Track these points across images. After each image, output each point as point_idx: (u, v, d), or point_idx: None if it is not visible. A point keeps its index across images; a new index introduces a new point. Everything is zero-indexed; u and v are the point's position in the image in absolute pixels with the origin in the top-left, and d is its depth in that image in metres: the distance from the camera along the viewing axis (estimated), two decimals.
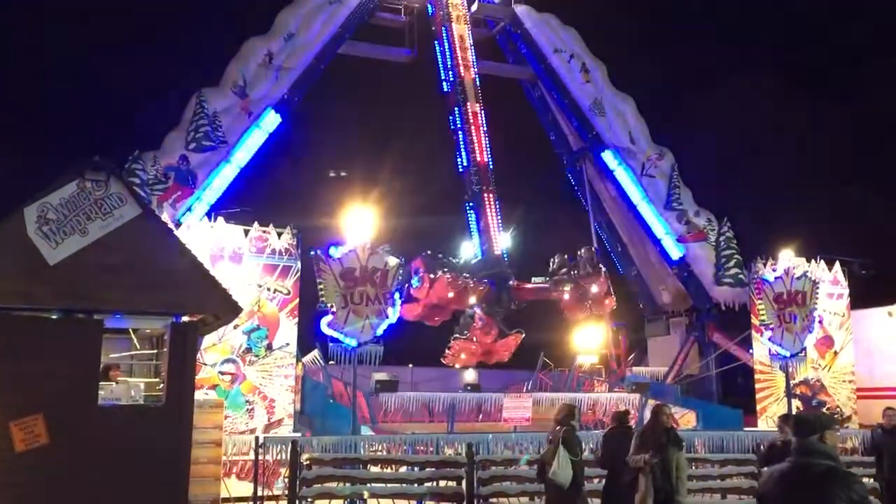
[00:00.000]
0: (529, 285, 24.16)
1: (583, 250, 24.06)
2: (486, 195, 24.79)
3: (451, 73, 25.94)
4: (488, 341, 23.03)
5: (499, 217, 24.86)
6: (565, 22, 27.39)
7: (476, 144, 25.20)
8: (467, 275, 22.73)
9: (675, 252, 25.52)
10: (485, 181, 24.94)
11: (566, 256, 24.18)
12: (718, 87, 39.64)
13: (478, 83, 25.96)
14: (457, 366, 23.60)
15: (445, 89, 26.17)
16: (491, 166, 25.13)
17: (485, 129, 25.51)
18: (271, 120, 22.59)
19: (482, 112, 25.61)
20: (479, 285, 22.65)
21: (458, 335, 23.07)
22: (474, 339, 22.97)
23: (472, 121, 25.35)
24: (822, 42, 40.62)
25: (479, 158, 25.04)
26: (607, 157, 26.27)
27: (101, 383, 10.41)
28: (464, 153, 25.35)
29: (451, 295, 22.10)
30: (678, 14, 40.96)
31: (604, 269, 23.81)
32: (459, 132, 25.51)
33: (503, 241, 24.65)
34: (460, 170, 25.42)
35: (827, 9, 38.80)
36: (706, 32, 41.99)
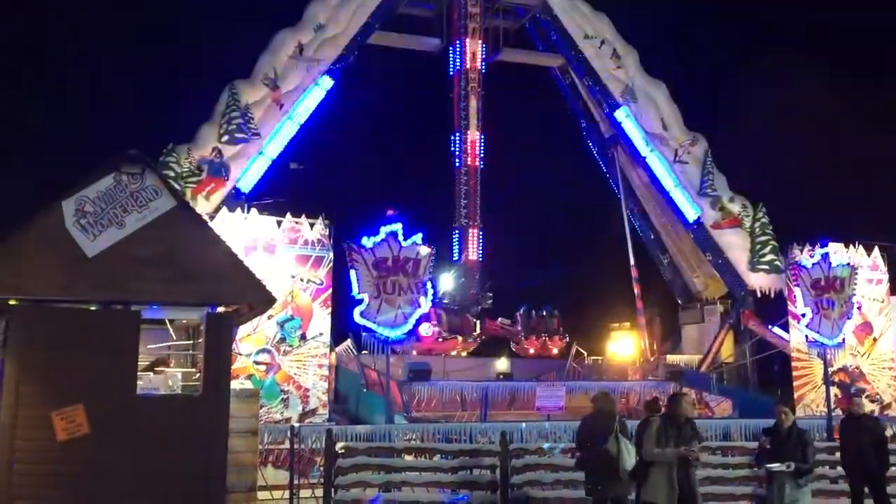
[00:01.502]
0: (497, 323, 26.58)
1: (545, 312, 26.56)
2: (471, 230, 26.69)
3: (461, 92, 26.99)
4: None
5: (480, 251, 26.73)
6: (596, 8, 27.10)
7: (469, 174, 26.69)
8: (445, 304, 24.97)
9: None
10: (472, 216, 26.59)
11: (532, 312, 26.66)
12: (752, 70, 39.04)
13: (481, 108, 26.95)
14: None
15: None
16: (479, 198, 26.79)
17: (481, 156, 26.90)
18: (303, 111, 22.68)
19: (482, 140, 26.90)
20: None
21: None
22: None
23: (469, 150, 26.78)
24: (860, 21, 39.75)
25: (470, 189, 26.63)
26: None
27: (140, 373, 10.58)
28: (461, 177, 26.78)
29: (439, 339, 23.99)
30: None
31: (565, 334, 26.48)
32: (456, 159, 26.99)
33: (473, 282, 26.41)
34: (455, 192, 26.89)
35: None
36: (739, 14, 41.33)
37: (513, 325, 26.62)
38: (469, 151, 26.69)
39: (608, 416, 9.31)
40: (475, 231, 26.69)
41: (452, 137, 27.16)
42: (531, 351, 26.13)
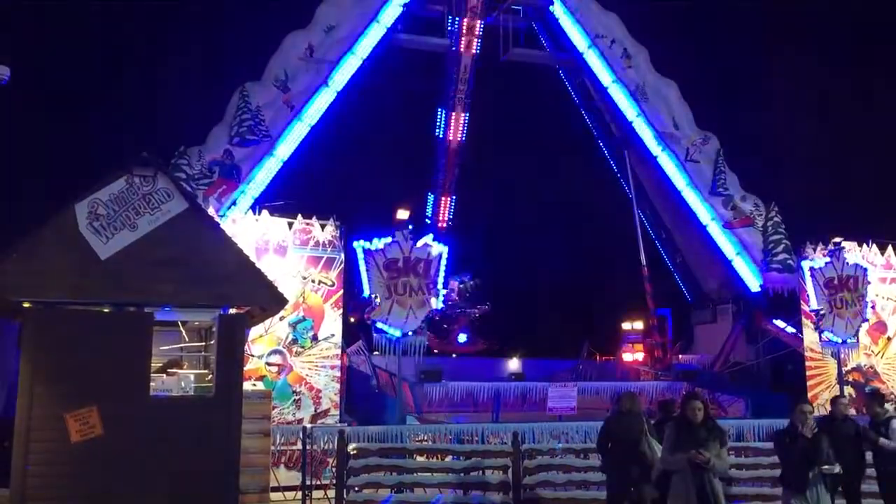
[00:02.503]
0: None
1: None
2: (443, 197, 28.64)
3: (442, 130, 28.15)
4: None
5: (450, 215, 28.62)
6: (606, 7, 27.02)
7: (450, 150, 28.25)
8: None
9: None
10: (446, 189, 28.39)
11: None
12: (765, 67, 38.86)
13: (466, 121, 28.04)
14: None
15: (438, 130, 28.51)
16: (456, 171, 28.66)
17: (458, 160, 28.52)
18: (313, 112, 22.73)
19: (459, 148, 28.36)
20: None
21: None
22: None
23: (449, 157, 28.32)
24: (871, 18, 39.47)
25: (449, 163, 28.36)
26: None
27: (153, 375, 10.63)
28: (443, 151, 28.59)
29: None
30: None
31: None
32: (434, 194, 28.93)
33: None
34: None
35: None
36: (751, 11, 41.11)
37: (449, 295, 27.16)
38: (449, 158, 28.49)
39: (636, 417, 9.29)
40: (447, 199, 28.88)
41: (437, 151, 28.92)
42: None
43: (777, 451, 9.03)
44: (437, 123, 28.18)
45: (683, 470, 7.80)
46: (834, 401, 10.54)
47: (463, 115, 27.65)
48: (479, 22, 26.62)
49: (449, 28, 26.91)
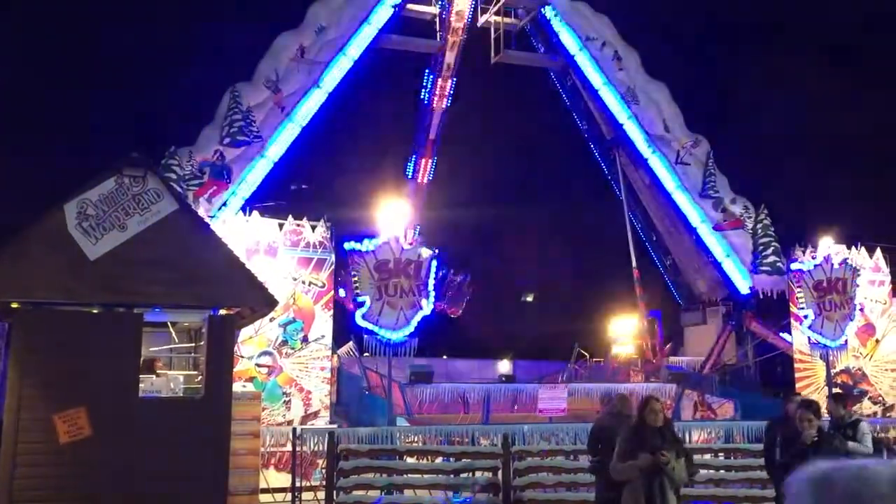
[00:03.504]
0: None
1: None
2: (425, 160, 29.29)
3: (427, 94, 28.39)
4: None
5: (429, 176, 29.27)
6: (597, 9, 27.10)
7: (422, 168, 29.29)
8: None
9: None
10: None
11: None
12: (755, 70, 39.02)
13: (444, 116, 28.61)
14: None
15: (423, 101, 28.84)
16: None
17: (434, 158, 29.27)
18: (304, 113, 22.70)
19: (436, 142, 29.04)
20: None
21: None
22: None
23: (427, 145, 29.13)
24: (861, 21, 39.71)
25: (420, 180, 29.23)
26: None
27: (142, 376, 10.59)
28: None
29: None
30: None
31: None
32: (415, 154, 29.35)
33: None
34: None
35: None
36: (740, 14, 41.32)
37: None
38: (427, 146, 29.14)
39: (626, 419, 9.27)
40: (428, 161, 29.41)
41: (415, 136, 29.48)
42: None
43: (766, 455, 8.57)
44: (424, 85, 28.56)
45: (635, 480, 6.94)
46: (788, 399, 10.08)
47: (449, 81, 27.96)
48: (464, 22, 26.67)
49: (439, 32, 26.99)
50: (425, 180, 29.68)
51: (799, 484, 2.07)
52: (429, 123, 28.87)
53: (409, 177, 29.78)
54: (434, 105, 28.27)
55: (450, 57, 27.21)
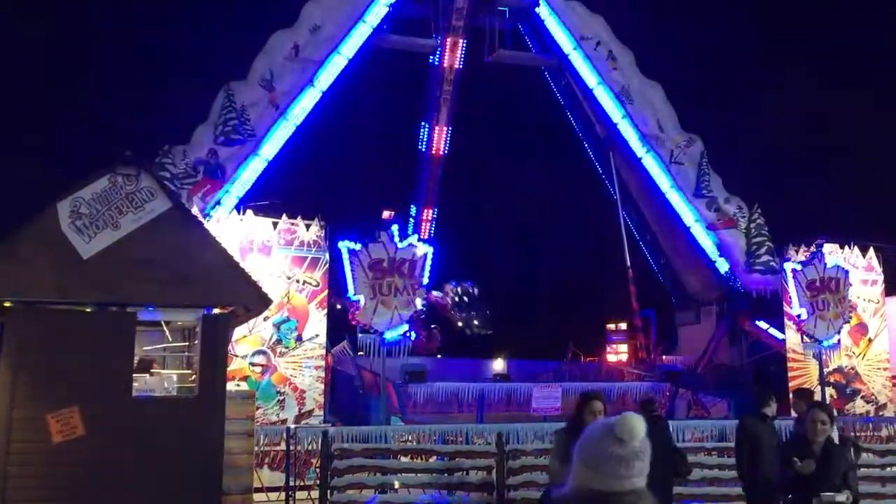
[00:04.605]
0: (432, 294, 25.96)
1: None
2: (425, 210, 28.51)
3: (433, 99, 28.01)
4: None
5: (431, 232, 28.29)
6: (591, 9, 27.12)
7: (431, 173, 28.44)
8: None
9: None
10: (429, 201, 28.37)
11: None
12: (749, 70, 39.12)
13: (448, 134, 28.14)
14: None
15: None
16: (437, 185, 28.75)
17: (445, 152, 28.24)
18: (299, 112, 22.67)
19: (446, 142, 28.17)
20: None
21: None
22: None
23: (435, 146, 28.08)
24: (852, 21, 39.83)
25: (431, 185, 28.54)
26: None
27: (136, 375, 10.55)
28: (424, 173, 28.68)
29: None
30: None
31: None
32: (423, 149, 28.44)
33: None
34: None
35: None
36: (734, 15, 41.40)
37: (443, 299, 26.75)
38: (435, 147, 28.23)
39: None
40: (429, 212, 28.72)
41: (419, 130, 28.66)
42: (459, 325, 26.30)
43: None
44: (420, 138, 28.31)
45: None
46: (763, 395, 9.34)
47: (446, 128, 27.80)
48: (463, 22, 26.68)
49: (434, 34, 26.96)
50: (429, 233, 29.00)
51: None
52: (429, 175, 28.60)
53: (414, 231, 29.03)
54: (433, 152, 27.97)
55: (452, 59, 27.08)
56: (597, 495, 2.34)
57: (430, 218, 28.73)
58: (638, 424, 2.53)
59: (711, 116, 32.86)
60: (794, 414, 9.58)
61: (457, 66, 27.19)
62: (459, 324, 26.45)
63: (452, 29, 26.63)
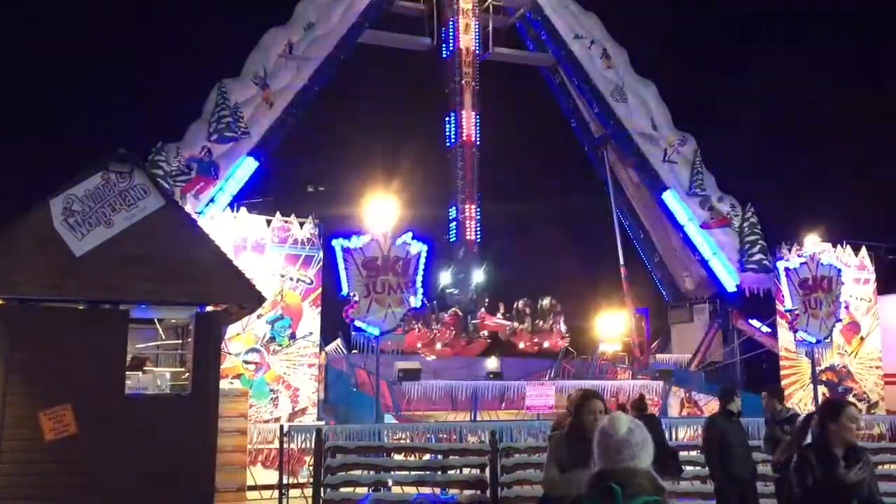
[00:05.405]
0: (491, 321, 24.83)
1: (548, 301, 24.80)
2: (468, 205, 26.27)
3: (454, 84, 26.59)
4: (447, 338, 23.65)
5: (477, 230, 26.28)
6: (586, 7, 27.17)
7: (465, 161, 26.34)
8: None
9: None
10: (469, 196, 26.21)
11: (527, 302, 24.96)
12: (742, 68, 39.20)
13: (476, 98, 26.61)
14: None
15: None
16: (476, 178, 26.46)
17: (477, 142, 26.54)
18: (292, 110, 22.62)
19: (477, 129, 26.59)
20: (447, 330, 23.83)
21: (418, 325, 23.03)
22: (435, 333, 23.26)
23: (465, 137, 26.39)
24: (849, 19, 39.96)
25: (466, 175, 26.29)
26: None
27: (129, 373, 10.54)
28: (457, 162, 26.49)
29: (419, 345, 22.99)
30: None
31: (562, 323, 24.72)
32: (454, 142, 26.67)
33: (476, 275, 25.78)
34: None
35: None
36: (727, 14, 41.47)
37: (508, 318, 25.03)
38: (465, 139, 26.45)
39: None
40: (471, 207, 26.21)
41: (447, 121, 26.96)
42: (521, 346, 24.72)
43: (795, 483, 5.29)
44: (447, 134, 26.68)
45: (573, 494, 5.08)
46: (728, 392, 9.16)
47: (473, 113, 26.40)
48: (473, 20, 26.74)
49: (437, 29, 26.89)
50: (473, 138, 26.56)
51: None
52: (464, 164, 26.38)
53: (456, 239, 26.50)
54: (463, 139, 26.25)
55: (467, 41, 26.62)
56: (601, 471, 3.56)
57: (473, 215, 26.27)
58: (621, 420, 3.66)
59: (706, 115, 32.91)
60: (766, 412, 9.45)
61: (473, 48, 26.84)
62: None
63: (462, 12, 26.49)
